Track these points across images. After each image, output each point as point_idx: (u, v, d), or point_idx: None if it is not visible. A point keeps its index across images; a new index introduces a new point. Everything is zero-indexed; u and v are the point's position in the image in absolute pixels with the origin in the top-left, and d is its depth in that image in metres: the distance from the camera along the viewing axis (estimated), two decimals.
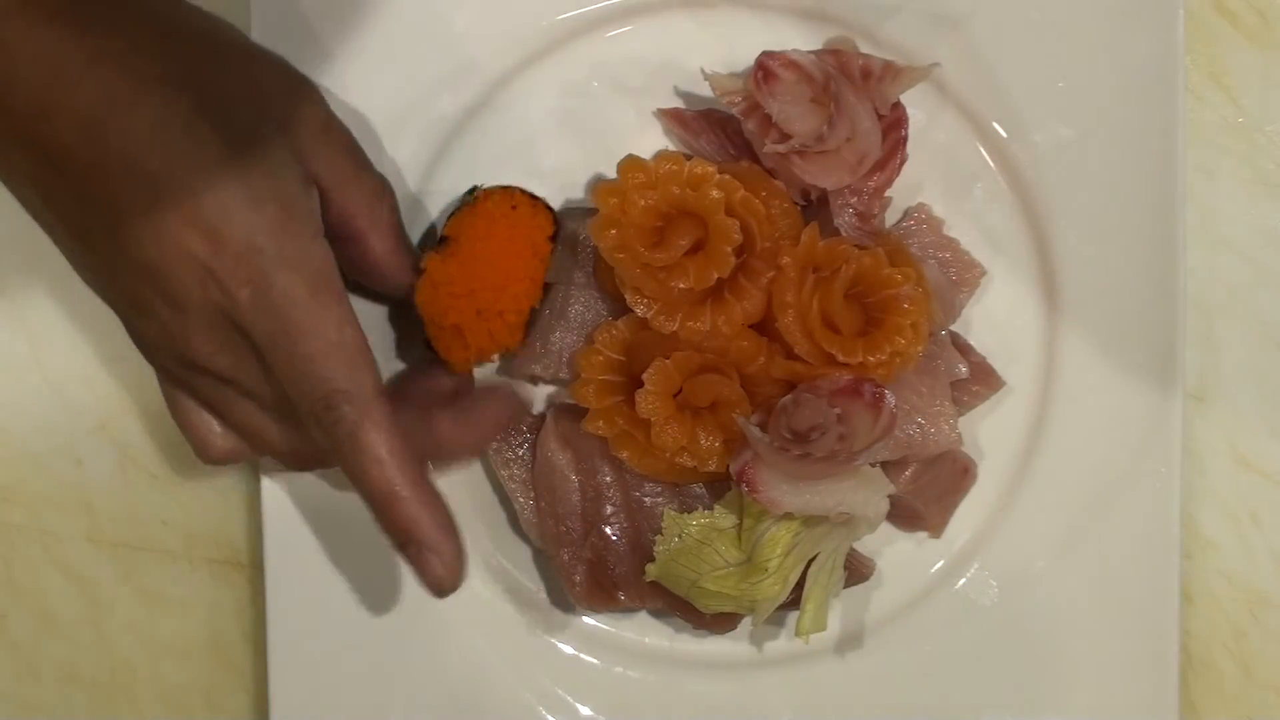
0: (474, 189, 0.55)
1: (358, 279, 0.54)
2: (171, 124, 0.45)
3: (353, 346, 0.47)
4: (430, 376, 0.55)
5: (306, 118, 0.50)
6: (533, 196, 0.55)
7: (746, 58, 0.56)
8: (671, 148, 0.58)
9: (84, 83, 0.44)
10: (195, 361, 0.48)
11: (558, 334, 0.56)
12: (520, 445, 0.57)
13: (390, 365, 0.58)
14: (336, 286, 0.47)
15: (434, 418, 0.52)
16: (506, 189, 0.55)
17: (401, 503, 0.47)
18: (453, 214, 0.55)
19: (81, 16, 0.45)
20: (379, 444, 0.47)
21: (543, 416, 0.58)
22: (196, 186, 0.45)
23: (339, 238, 0.52)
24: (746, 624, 0.58)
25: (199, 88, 0.46)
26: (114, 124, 0.45)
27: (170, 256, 0.45)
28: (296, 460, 0.51)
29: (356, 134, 0.53)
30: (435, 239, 0.55)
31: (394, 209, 0.54)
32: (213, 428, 0.51)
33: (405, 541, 0.47)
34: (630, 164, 0.55)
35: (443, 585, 0.48)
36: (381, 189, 0.53)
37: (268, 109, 0.48)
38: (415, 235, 0.57)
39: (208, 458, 0.51)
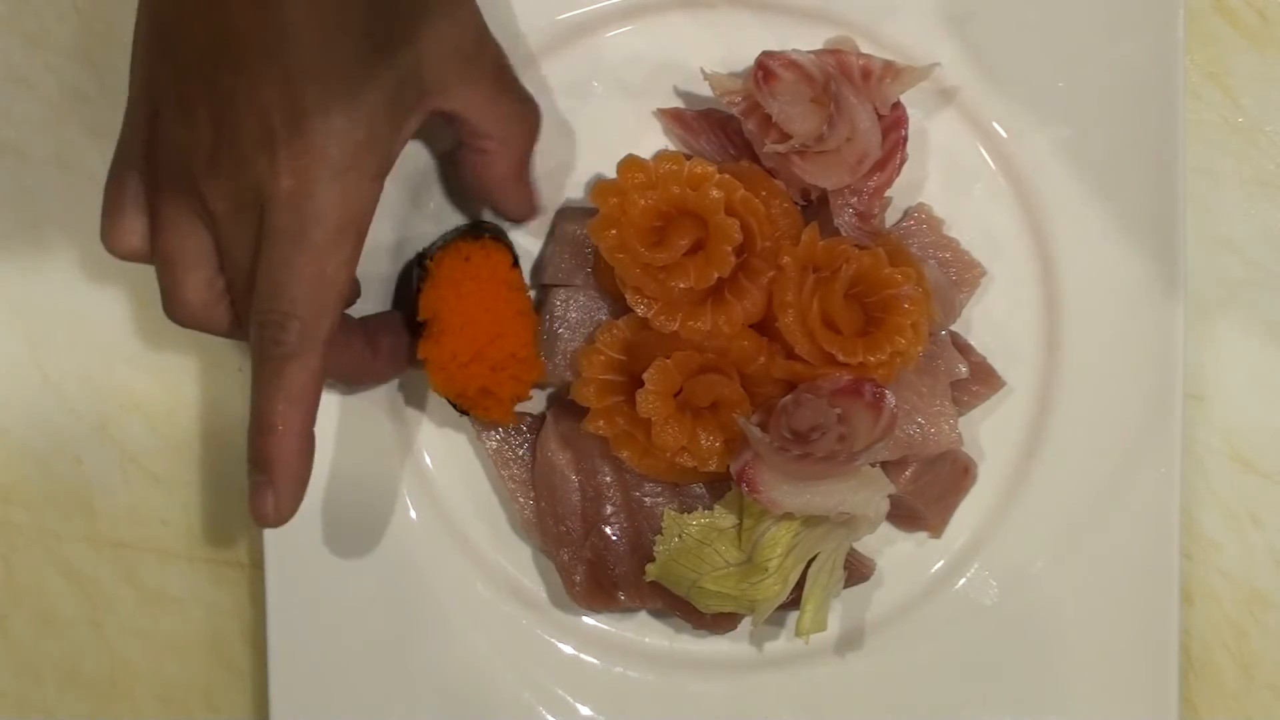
0: (423, 259, 0.55)
1: (476, 194, 0.55)
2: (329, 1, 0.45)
3: (337, 287, 0.47)
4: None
5: (455, 41, 0.50)
6: (475, 234, 0.55)
7: (746, 58, 0.56)
8: (671, 148, 0.58)
9: None
10: (200, 186, 0.47)
11: (559, 334, 0.56)
12: (520, 445, 0.57)
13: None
14: (362, 231, 0.48)
15: (349, 343, 0.54)
16: (451, 246, 0.55)
17: (277, 437, 0.47)
18: (418, 291, 0.54)
19: None
20: (296, 382, 0.47)
21: (543, 416, 0.58)
22: (312, 66, 0.45)
23: (471, 150, 0.53)
24: (746, 624, 0.58)
25: None
26: None
27: (253, 104, 0.45)
28: (189, 311, 0.50)
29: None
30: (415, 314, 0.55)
31: (528, 137, 0.54)
32: (139, 226, 0.50)
33: (259, 467, 0.48)
34: (630, 164, 0.55)
35: (265, 519, 0.48)
36: (521, 115, 0.53)
37: (420, 25, 0.48)
38: (415, 235, 0.58)
39: (115, 246, 0.50)
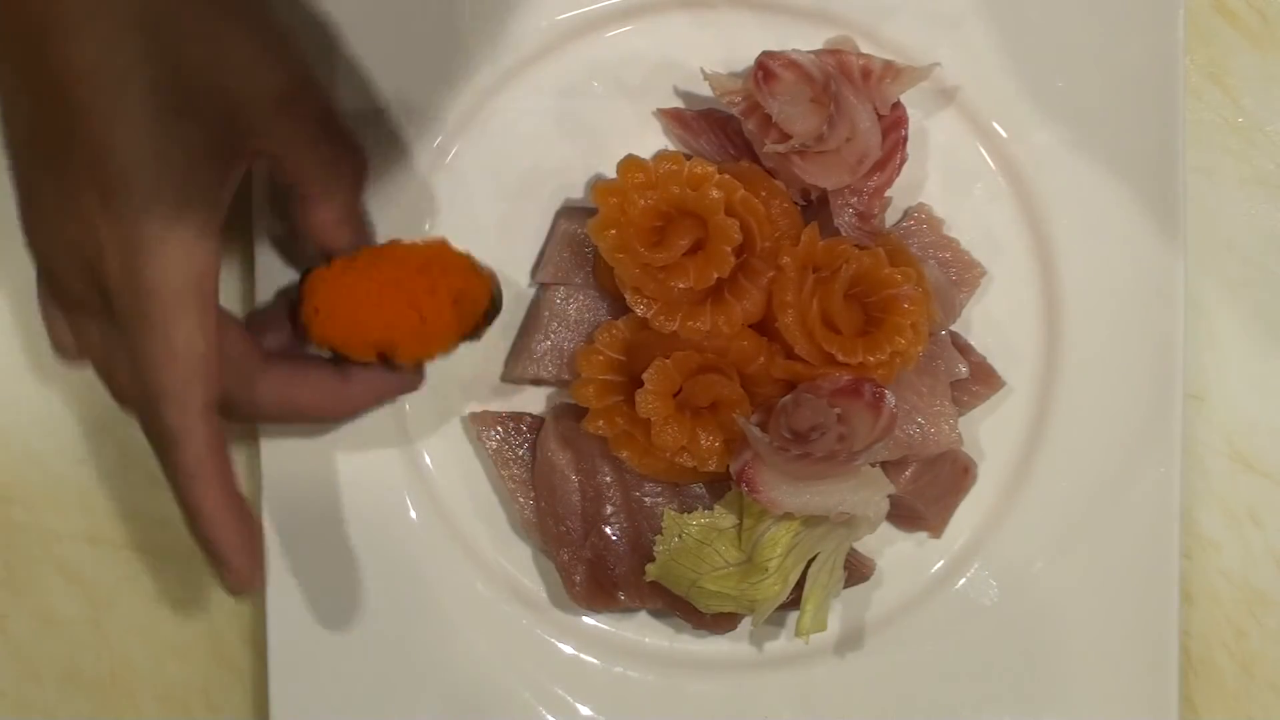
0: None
1: (302, 237, 0.53)
2: (113, 60, 0.44)
3: (195, 358, 0.46)
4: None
5: (267, 92, 0.48)
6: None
7: (746, 58, 0.56)
8: (671, 148, 0.58)
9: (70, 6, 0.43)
10: (61, 279, 0.47)
11: (558, 334, 0.56)
12: (520, 445, 0.57)
13: None
14: (205, 292, 0.46)
15: (308, 372, 0.52)
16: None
17: (203, 519, 0.47)
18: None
19: None
20: (191, 461, 0.47)
21: (543, 417, 0.58)
22: (112, 136, 0.44)
23: (293, 195, 0.51)
24: (746, 624, 0.58)
25: (158, 33, 0.44)
26: (57, 39, 0.43)
27: (66, 188, 0.45)
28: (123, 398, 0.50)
29: (357, 133, 0.53)
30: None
31: (353, 183, 0.52)
32: (66, 331, 0.50)
33: (204, 550, 0.48)
34: (630, 164, 0.55)
35: (235, 592, 0.49)
36: (344, 160, 0.51)
37: (223, 75, 0.46)
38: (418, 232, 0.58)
39: (60, 355, 0.50)
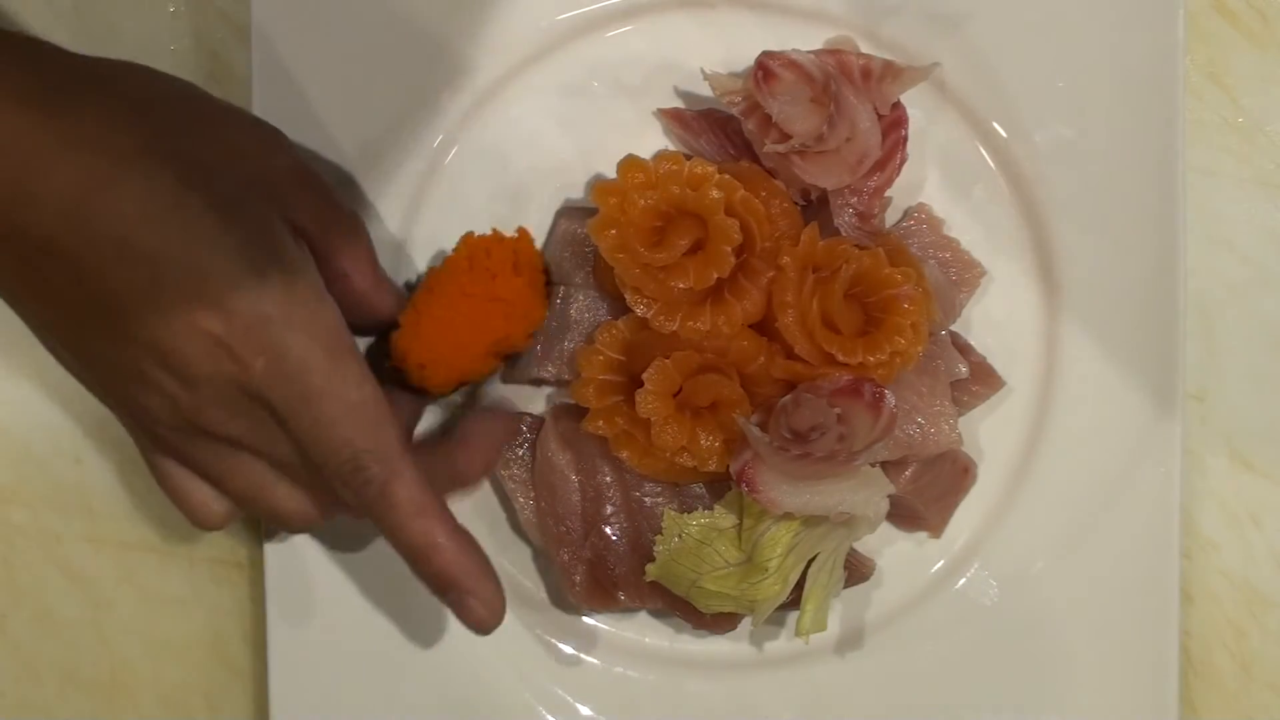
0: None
1: (350, 316, 0.53)
2: (158, 199, 0.45)
3: (372, 404, 0.47)
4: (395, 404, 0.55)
5: (283, 169, 0.50)
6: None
7: (746, 58, 0.56)
8: (671, 148, 0.58)
9: (60, 167, 0.44)
10: (205, 429, 0.47)
11: (558, 334, 0.56)
12: (520, 445, 0.57)
13: None
14: (349, 343, 0.48)
15: (442, 453, 0.53)
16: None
17: (440, 552, 0.48)
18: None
19: (51, 100, 0.44)
20: (410, 500, 0.47)
21: (543, 417, 0.58)
22: (197, 261, 0.45)
23: (329, 278, 0.51)
24: (746, 624, 0.58)
25: (179, 157, 0.46)
26: (97, 206, 0.44)
27: (179, 333, 0.45)
28: (301, 520, 0.51)
29: (358, 132, 0.53)
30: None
31: (369, 244, 0.54)
32: (209, 492, 0.50)
33: (446, 588, 0.49)
34: (630, 164, 0.55)
35: (486, 626, 0.49)
36: (356, 225, 0.53)
37: (246, 168, 0.48)
38: (422, 239, 0.58)
39: (208, 523, 0.51)
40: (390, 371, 0.54)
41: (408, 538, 0.48)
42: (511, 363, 0.56)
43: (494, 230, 0.55)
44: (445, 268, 0.54)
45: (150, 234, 0.44)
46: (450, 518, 0.48)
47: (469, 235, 0.55)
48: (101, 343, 0.46)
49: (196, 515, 0.51)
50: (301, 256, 0.48)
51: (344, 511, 0.50)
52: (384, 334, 0.54)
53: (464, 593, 0.48)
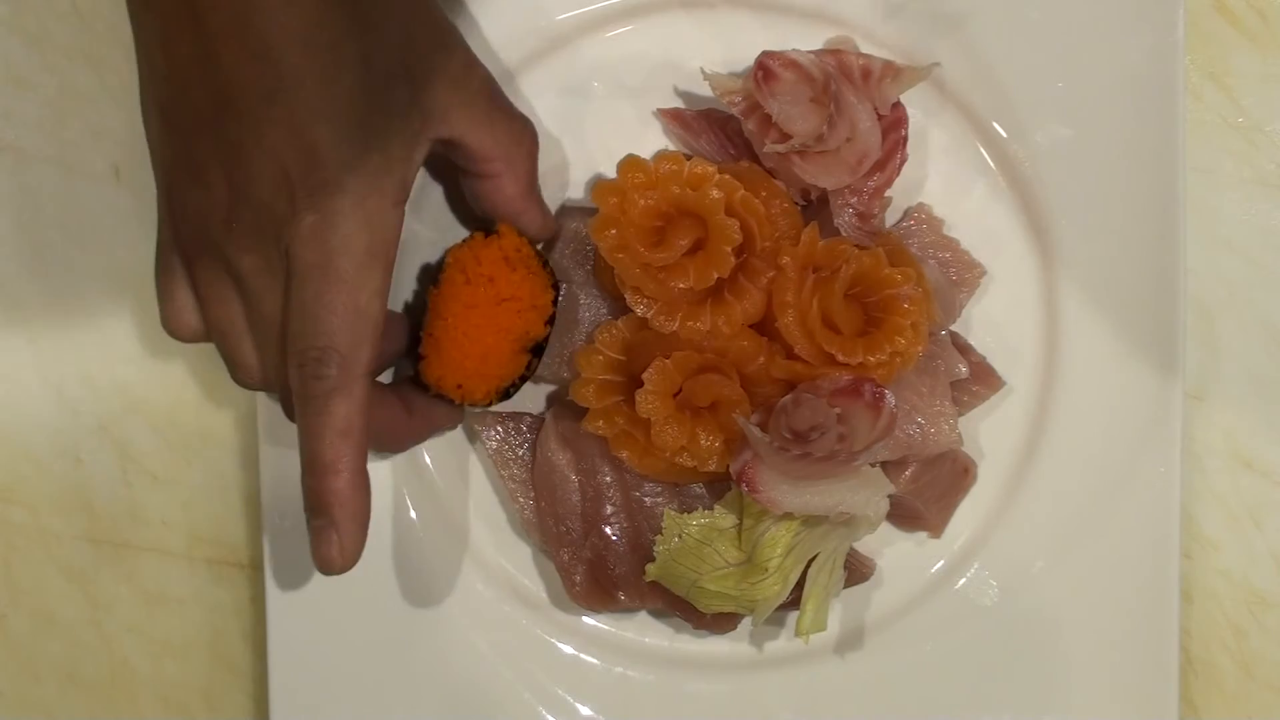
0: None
1: (492, 215, 0.55)
2: (320, 34, 0.45)
3: (371, 318, 0.47)
4: (431, 412, 0.56)
5: (446, 69, 0.50)
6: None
7: (746, 58, 0.56)
8: (671, 148, 0.58)
9: None
10: (223, 248, 0.47)
11: (558, 334, 0.56)
12: (520, 445, 0.57)
13: None
14: (389, 259, 0.48)
15: (381, 400, 0.53)
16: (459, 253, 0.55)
17: (335, 478, 0.47)
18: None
19: None
20: (345, 418, 0.47)
21: (543, 416, 0.58)
22: (317, 103, 0.45)
23: (476, 175, 0.53)
24: (746, 624, 0.58)
25: (358, 12, 0.46)
26: (268, 5, 0.44)
27: (263, 150, 0.45)
28: (247, 375, 0.50)
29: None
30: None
31: (531, 154, 0.54)
32: (191, 306, 0.50)
33: (319, 510, 0.48)
34: (630, 164, 0.55)
35: (331, 565, 0.48)
36: (519, 133, 0.53)
37: (411, 56, 0.48)
38: (423, 239, 0.58)
39: (175, 331, 0.51)
40: (435, 398, 0.55)
41: (319, 449, 0.47)
42: (539, 353, 0.56)
43: (473, 234, 0.55)
44: (443, 288, 0.54)
45: (296, 54, 0.44)
46: (363, 453, 0.48)
47: (452, 250, 0.55)
48: (191, 121, 0.46)
49: (170, 320, 0.50)
50: (407, 160, 0.48)
51: (281, 396, 0.50)
52: (416, 370, 0.55)
53: (330, 523, 0.47)
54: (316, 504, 0.48)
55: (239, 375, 0.50)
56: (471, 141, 0.51)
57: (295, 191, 0.46)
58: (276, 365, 0.49)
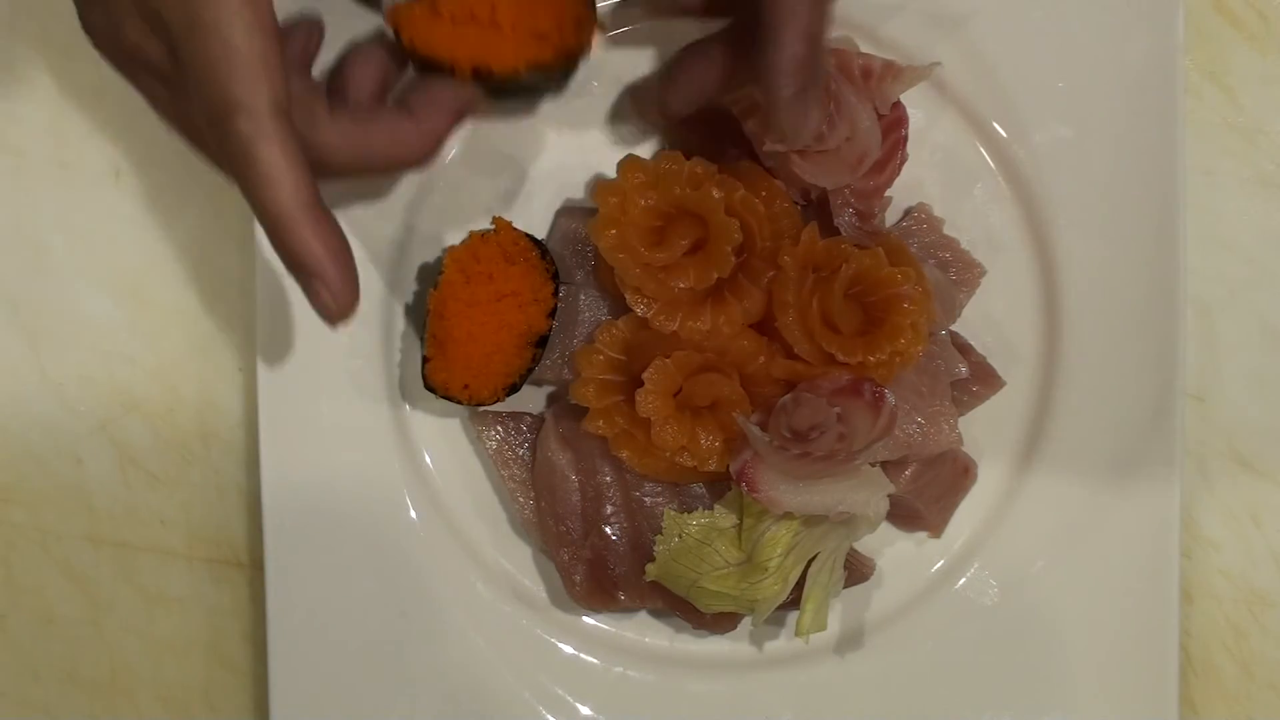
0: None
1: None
2: None
3: (257, 55, 0.44)
4: (367, 61, 0.52)
5: None
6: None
7: None
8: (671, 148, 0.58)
9: None
10: (128, 50, 0.46)
11: (558, 334, 0.56)
12: (520, 445, 0.57)
13: None
14: (263, 3, 0.45)
15: (378, 115, 0.50)
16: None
17: (288, 227, 0.45)
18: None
19: None
20: (270, 162, 0.44)
21: (543, 416, 0.58)
22: None
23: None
24: (746, 624, 0.58)
25: None
26: None
27: None
28: (181, 132, 0.48)
29: None
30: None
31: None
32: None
33: (295, 268, 0.46)
34: (630, 164, 0.55)
35: (330, 313, 0.46)
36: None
37: None
38: (424, 239, 0.58)
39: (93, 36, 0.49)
40: (430, 74, 0.52)
41: (261, 205, 0.44)
42: (543, 345, 0.56)
43: (470, 234, 0.55)
44: (443, 288, 0.54)
45: None
46: (311, 191, 0.45)
47: (451, 250, 0.55)
48: None
49: (89, 27, 0.49)
50: None
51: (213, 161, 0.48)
52: (422, 372, 0.55)
53: (311, 275, 0.45)
54: (289, 261, 0.45)
55: (180, 137, 0.48)
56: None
57: None
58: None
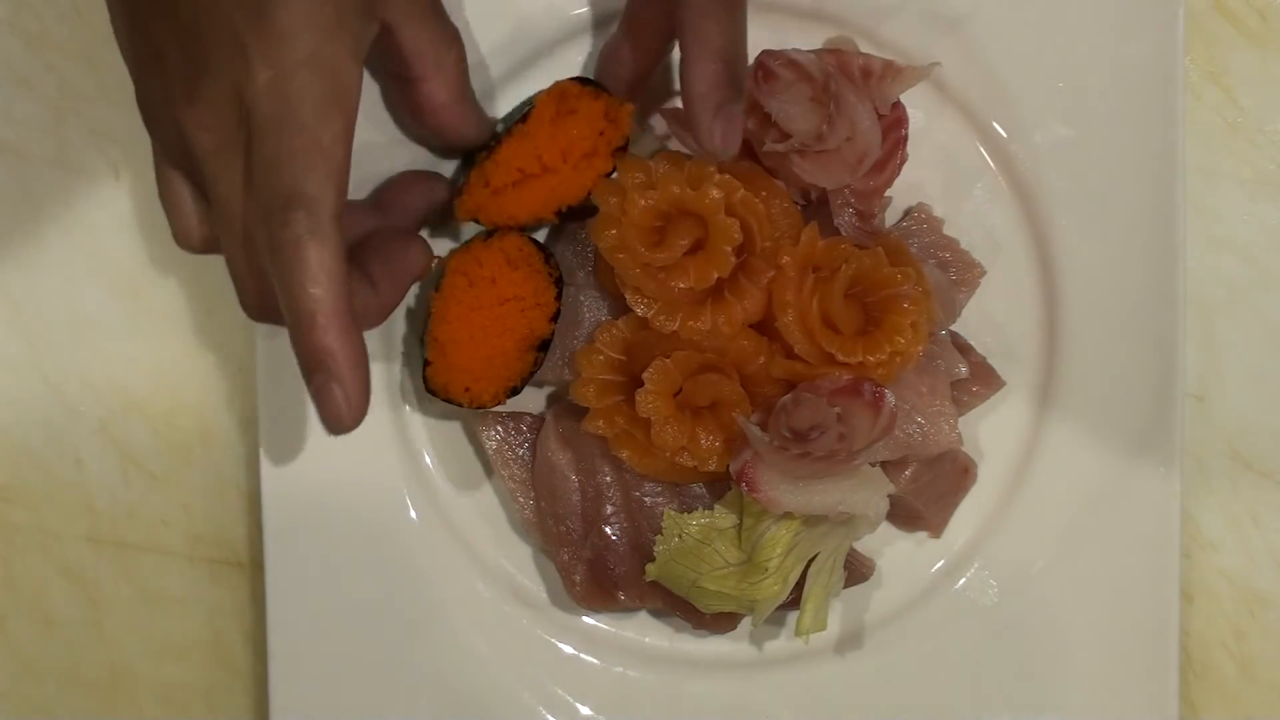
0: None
1: (422, 126, 0.54)
2: None
3: (336, 161, 0.46)
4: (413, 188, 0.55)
5: None
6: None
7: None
8: (672, 148, 0.58)
9: None
10: (186, 128, 0.47)
11: (558, 334, 0.56)
12: (520, 445, 0.57)
13: None
14: (350, 106, 0.46)
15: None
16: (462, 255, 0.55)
17: (321, 328, 0.45)
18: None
19: None
20: (319, 262, 0.45)
21: (543, 416, 0.58)
22: None
23: (404, 79, 0.52)
24: (746, 624, 0.58)
25: None
26: None
27: (214, 18, 0.45)
28: (191, 241, 0.50)
29: (360, 133, 0.52)
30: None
31: (461, 60, 0.53)
32: (193, 211, 0.49)
33: (315, 368, 0.46)
34: (630, 164, 0.55)
35: (341, 420, 0.46)
36: (451, 38, 0.53)
37: None
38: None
39: (183, 241, 0.50)
40: (396, 244, 0.54)
41: (297, 301, 0.45)
42: (545, 349, 0.56)
43: (474, 237, 0.55)
44: (445, 292, 0.54)
45: None
46: (347, 300, 0.46)
47: (451, 254, 0.55)
48: (146, 8, 0.46)
49: (177, 230, 0.50)
50: (360, 17, 0.47)
51: (248, 280, 0.49)
52: (423, 375, 0.55)
53: (330, 378, 0.46)
54: (310, 360, 0.46)
55: (241, 277, 0.49)
56: (406, 34, 0.50)
57: (249, 51, 0.45)
58: (231, 239, 0.48)
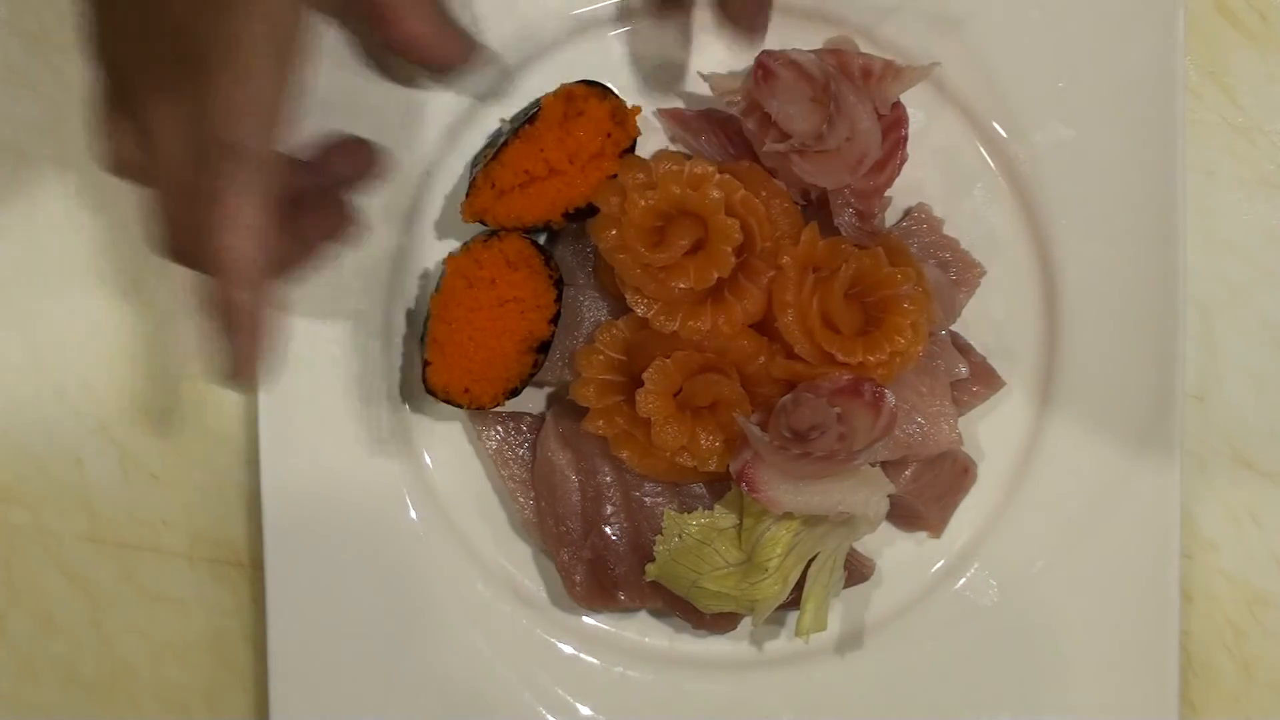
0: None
1: (410, 61, 0.53)
2: None
3: (275, 114, 0.45)
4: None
5: None
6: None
7: (746, 58, 0.56)
8: (671, 148, 0.58)
9: None
10: (132, 65, 0.47)
11: (558, 334, 0.56)
12: (520, 445, 0.57)
13: None
14: (295, 60, 0.46)
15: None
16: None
17: (232, 280, 0.45)
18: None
19: None
20: (242, 214, 0.45)
21: (543, 416, 0.58)
22: None
23: (380, 20, 0.51)
24: (746, 624, 0.58)
25: None
26: None
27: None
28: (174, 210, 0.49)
29: (363, 128, 0.52)
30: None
31: None
32: (129, 141, 0.49)
33: (218, 316, 0.46)
34: (630, 164, 0.55)
35: (230, 371, 0.47)
36: None
37: None
38: (424, 240, 0.58)
39: (107, 164, 0.50)
40: (327, 201, 0.54)
41: (215, 250, 0.45)
42: (544, 351, 0.56)
43: (474, 238, 0.55)
44: (445, 293, 0.54)
45: None
46: (262, 257, 0.46)
47: (451, 257, 0.55)
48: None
49: (108, 151, 0.50)
50: None
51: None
52: (423, 376, 0.55)
53: (230, 329, 0.46)
54: (215, 308, 0.46)
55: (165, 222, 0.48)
56: None
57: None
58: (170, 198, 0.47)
